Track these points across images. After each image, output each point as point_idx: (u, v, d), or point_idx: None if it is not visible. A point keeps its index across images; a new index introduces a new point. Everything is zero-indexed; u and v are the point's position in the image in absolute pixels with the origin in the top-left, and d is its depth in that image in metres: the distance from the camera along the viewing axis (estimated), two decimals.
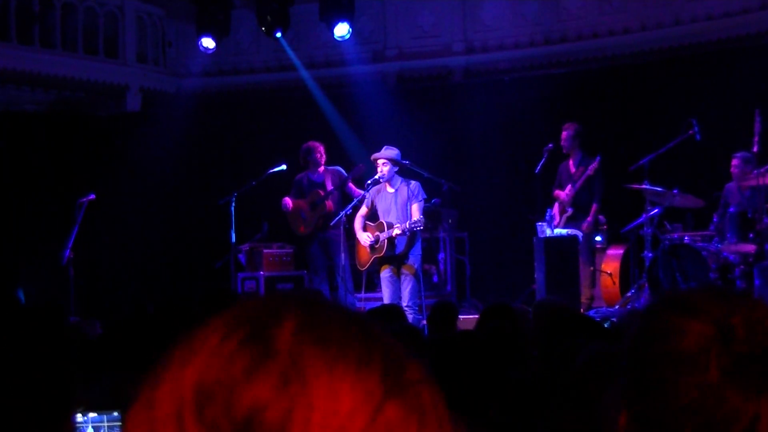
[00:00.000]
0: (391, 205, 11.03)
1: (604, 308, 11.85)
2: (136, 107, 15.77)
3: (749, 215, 10.89)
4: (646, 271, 11.43)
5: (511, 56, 15.27)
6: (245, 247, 13.03)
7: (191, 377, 0.94)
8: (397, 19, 15.86)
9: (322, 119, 15.28)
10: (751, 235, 10.82)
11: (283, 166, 12.56)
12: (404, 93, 15.63)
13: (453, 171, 13.76)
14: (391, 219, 10.94)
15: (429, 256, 12.80)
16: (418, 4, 15.88)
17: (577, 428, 2.59)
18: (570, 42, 14.88)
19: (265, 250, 12.88)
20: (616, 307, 11.81)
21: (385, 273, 11.04)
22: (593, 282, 12.35)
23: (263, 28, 15.09)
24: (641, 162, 11.59)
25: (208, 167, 15.80)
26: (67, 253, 12.11)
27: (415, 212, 10.83)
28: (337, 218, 11.62)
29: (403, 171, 11.27)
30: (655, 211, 11.57)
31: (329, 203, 12.19)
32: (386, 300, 10.86)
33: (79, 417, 3.19)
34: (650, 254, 11.42)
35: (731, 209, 11.04)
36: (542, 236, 11.63)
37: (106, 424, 3.26)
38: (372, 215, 11.27)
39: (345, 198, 12.30)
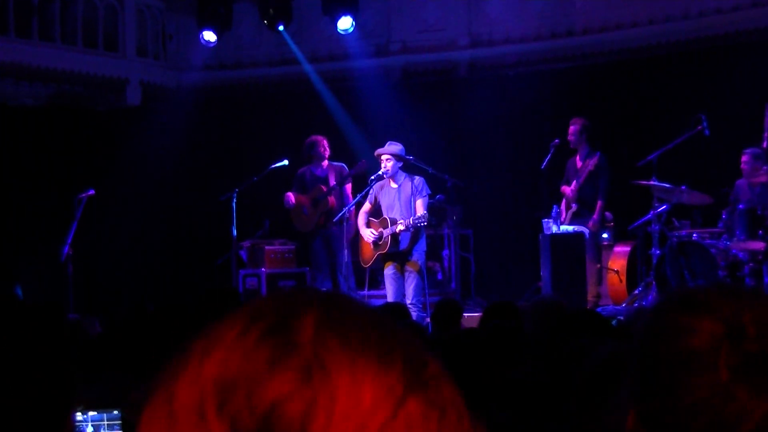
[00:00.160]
0: (394, 201, 11.03)
1: (610, 306, 11.86)
2: (136, 101, 15.76)
3: (759, 212, 10.89)
4: (653, 268, 11.43)
5: (517, 50, 15.23)
6: (247, 243, 13.04)
7: (211, 370, 0.95)
8: (401, 13, 15.84)
9: (324, 114, 15.27)
10: (760, 233, 10.81)
11: (285, 162, 12.56)
12: (408, 87, 15.63)
13: (458, 167, 13.77)
14: (395, 215, 10.94)
15: (433, 252, 12.80)
16: None
17: (586, 428, 2.59)
18: (577, 36, 14.84)
19: (267, 247, 12.89)
20: (623, 305, 11.81)
21: (389, 270, 11.05)
22: (600, 280, 12.35)
23: (265, 21, 15.09)
24: (649, 158, 11.59)
25: (209, 163, 15.80)
26: (66, 249, 12.12)
27: (419, 208, 10.83)
28: (339, 214, 11.62)
29: (407, 167, 11.27)
30: (663, 207, 11.56)
31: (331, 199, 12.19)
32: (390, 297, 10.87)
33: (78, 416, 3.20)
34: (658, 251, 11.42)
35: (740, 206, 11.03)
36: (548, 233, 11.62)
37: (105, 422, 3.26)
38: (375, 211, 11.27)
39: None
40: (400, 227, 10.70)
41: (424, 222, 10.64)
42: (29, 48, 14.41)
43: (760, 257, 10.80)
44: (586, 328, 4.71)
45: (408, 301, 10.61)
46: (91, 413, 3.26)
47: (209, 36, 15.20)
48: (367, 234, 11.12)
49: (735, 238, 10.97)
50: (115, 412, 3.27)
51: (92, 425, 3.26)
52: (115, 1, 15.43)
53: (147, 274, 15.25)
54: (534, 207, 12.66)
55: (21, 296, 10.13)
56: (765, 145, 11.28)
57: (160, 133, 15.33)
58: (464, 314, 9.22)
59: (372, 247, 11.12)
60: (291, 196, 12.31)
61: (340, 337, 0.95)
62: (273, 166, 12.53)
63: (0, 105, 15.04)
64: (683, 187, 11.30)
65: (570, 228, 11.80)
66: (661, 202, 11.61)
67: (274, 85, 16.34)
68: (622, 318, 8.54)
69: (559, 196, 12.32)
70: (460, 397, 0.98)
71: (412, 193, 10.93)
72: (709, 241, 11.25)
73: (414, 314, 10.22)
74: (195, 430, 0.93)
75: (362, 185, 11.64)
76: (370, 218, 11.25)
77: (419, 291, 10.95)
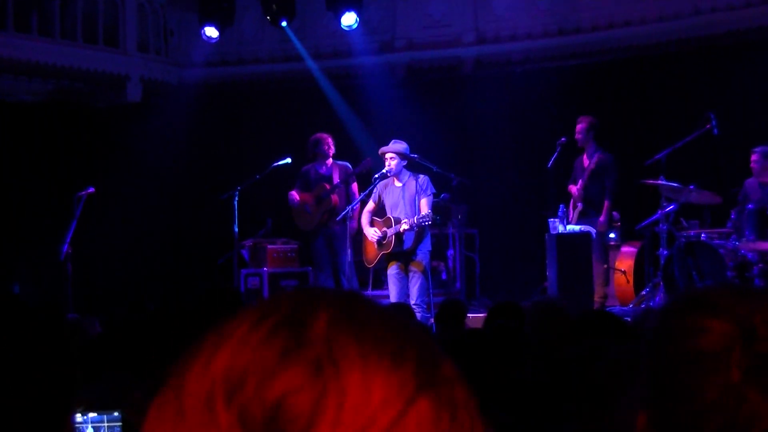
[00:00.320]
0: (399, 199, 11.03)
1: (617, 307, 11.87)
2: (137, 98, 15.77)
3: None
4: (661, 269, 11.42)
5: (524, 47, 15.23)
6: (248, 242, 13.06)
7: (221, 364, 0.95)
8: (406, 9, 15.83)
9: (328, 111, 15.27)
10: None
11: (288, 160, 12.55)
12: (413, 84, 15.63)
13: (463, 165, 13.77)
14: (399, 214, 10.93)
15: (438, 252, 12.80)
16: None
17: (593, 430, 2.59)
18: (584, 32, 14.83)
19: (269, 246, 12.89)
20: (630, 306, 11.82)
21: (393, 269, 11.04)
22: (607, 280, 12.36)
23: (268, 17, 15.08)
24: (657, 157, 11.58)
25: (211, 160, 15.81)
26: (66, 248, 12.13)
27: (424, 207, 10.82)
28: (343, 213, 11.62)
29: (411, 165, 11.27)
30: (671, 207, 11.55)
31: (335, 197, 12.19)
32: (393, 298, 10.86)
33: (78, 417, 3.20)
34: (665, 252, 11.41)
35: (750, 206, 11.02)
36: (554, 233, 11.61)
37: (106, 424, 3.26)
38: (379, 210, 11.26)
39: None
40: (404, 226, 10.70)
41: (428, 221, 10.63)
42: (28, 43, 14.42)
43: None
44: (601, 330, 4.72)
45: (412, 302, 10.60)
46: (91, 415, 3.25)
47: (211, 32, 15.19)
48: (371, 233, 11.12)
49: (744, 239, 10.96)
50: (116, 413, 3.27)
51: (92, 427, 3.26)
52: None
53: (147, 273, 15.26)
54: (540, 206, 12.65)
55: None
56: None
57: (161, 130, 15.34)
58: (469, 315, 9.23)
59: (376, 246, 11.11)
60: (295, 195, 12.32)
61: (354, 334, 0.95)
62: (275, 164, 12.53)
63: None
64: (692, 187, 11.29)
65: (576, 228, 11.79)
66: (669, 201, 11.60)
67: (277, 82, 16.35)
68: (629, 319, 8.53)
69: (565, 196, 12.32)
70: (473, 399, 0.99)
71: (416, 192, 10.92)
72: (717, 242, 11.24)
73: (418, 315, 10.23)
74: (203, 423, 0.94)
75: (367, 183, 11.63)
76: (374, 217, 11.25)
77: (423, 291, 10.94)
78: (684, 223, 11.74)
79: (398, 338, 0.97)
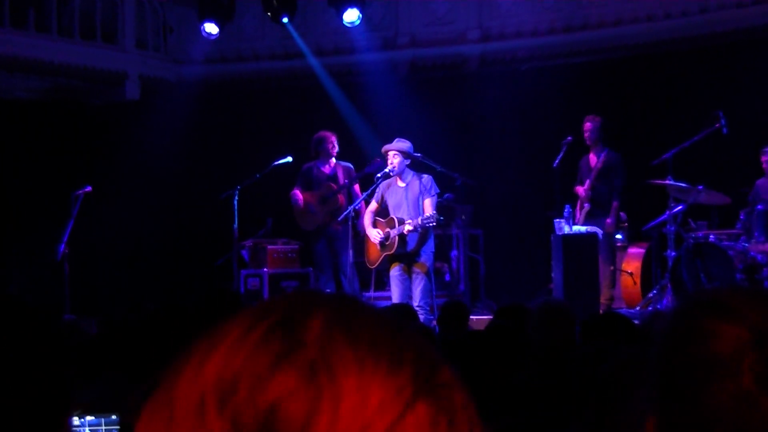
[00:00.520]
0: (402, 200, 11.02)
1: (624, 309, 11.85)
2: (135, 96, 15.78)
3: None
4: (668, 271, 11.42)
5: (529, 44, 15.21)
6: (248, 242, 13.06)
7: (213, 368, 0.94)
8: (409, 5, 15.82)
9: (330, 109, 15.27)
10: None
11: (289, 159, 12.54)
12: (416, 82, 15.62)
13: (467, 164, 13.78)
14: (402, 215, 10.92)
15: (441, 253, 12.79)
16: None
17: None
18: (591, 29, 14.82)
19: (269, 246, 12.89)
20: (637, 308, 11.81)
21: (395, 271, 11.03)
22: (613, 282, 12.35)
23: (269, 13, 15.06)
24: (665, 156, 11.58)
25: (210, 159, 15.80)
26: (62, 248, 12.13)
27: (428, 207, 10.81)
28: (344, 213, 11.60)
29: (414, 164, 11.25)
30: (679, 207, 11.55)
31: (341, 197, 12.19)
32: (396, 299, 10.84)
33: (75, 420, 3.20)
34: (673, 253, 11.41)
35: (759, 206, 11.01)
36: (560, 234, 11.60)
37: (103, 427, 3.26)
38: (382, 211, 11.25)
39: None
40: (407, 227, 10.68)
41: (433, 222, 10.62)
42: (25, 39, 14.42)
43: None
44: (610, 332, 4.72)
45: (415, 304, 10.59)
46: (88, 418, 3.25)
47: (211, 28, 15.18)
48: (374, 234, 11.11)
49: (753, 240, 10.95)
50: (113, 416, 3.27)
51: (90, 430, 3.26)
52: None
53: (146, 273, 15.25)
54: (546, 206, 12.65)
55: None
56: None
57: (160, 128, 15.34)
58: (473, 317, 9.23)
59: (378, 247, 11.10)
60: (299, 194, 12.30)
61: (349, 338, 0.94)
62: (276, 162, 12.52)
63: None
64: (700, 187, 11.28)
65: (583, 228, 11.79)
66: (677, 202, 11.60)
67: (278, 80, 16.35)
68: (636, 322, 8.52)
69: (571, 196, 12.31)
70: (472, 404, 0.98)
71: (420, 192, 10.91)
72: (726, 243, 11.23)
73: (421, 317, 10.21)
74: (195, 429, 0.93)
75: (369, 184, 11.62)
76: (377, 218, 11.24)
77: (427, 293, 10.93)
78: (692, 224, 11.73)
79: (395, 342, 0.96)
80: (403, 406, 0.92)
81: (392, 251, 10.93)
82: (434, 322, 10.18)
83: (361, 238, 11.61)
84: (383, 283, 12.23)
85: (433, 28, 15.73)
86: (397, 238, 10.84)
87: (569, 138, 12.13)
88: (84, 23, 15.15)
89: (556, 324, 5.94)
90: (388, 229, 10.97)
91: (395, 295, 10.97)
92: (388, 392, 0.92)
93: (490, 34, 15.50)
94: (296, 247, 13.09)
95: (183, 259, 15.58)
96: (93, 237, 13.77)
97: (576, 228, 11.76)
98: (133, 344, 4.37)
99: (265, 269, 12.66)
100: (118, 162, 14.97)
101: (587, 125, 12.19)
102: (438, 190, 11.15)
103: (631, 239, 12.95)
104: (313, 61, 15.67)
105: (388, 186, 11.16)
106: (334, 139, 12.47)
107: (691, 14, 14.08)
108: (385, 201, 11.17)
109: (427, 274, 10.94)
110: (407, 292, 10.94)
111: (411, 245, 10.87)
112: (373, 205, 11.29)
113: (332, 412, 0.90)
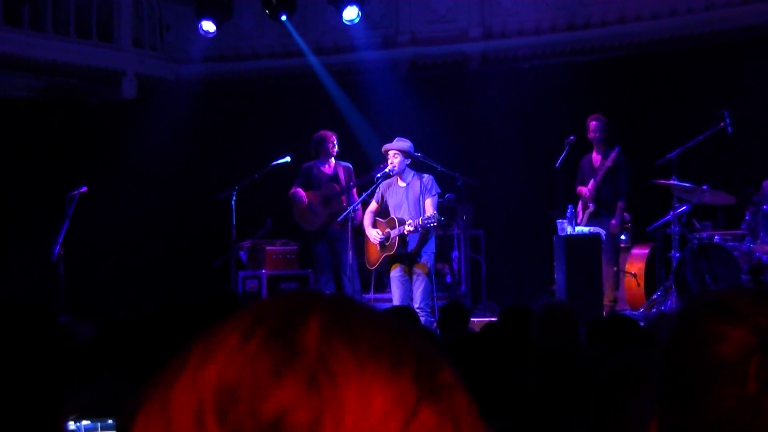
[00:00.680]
0: (402, 200, 11.01)
1: (627, 311, 11.84)
2: (132, 94, 15.77)
3: None
4: (673, 272, 11.41)
5: (532, 42, 15.20)
6: (247, 243, 13.04)
7: (211, 377, 0.94)
8: (410, 3, 15.80)
9: (329, 108, 15.25)
10: None
11: (288, 158, 12.52)
12: (417, 81, 15.61)
13: (468, 164, 13.76)
14: (403, 215, 10.91)
15: (442, 254, 12.77)
16: None
17: None
18: (594, 28, 14.81)
19: (268, 247, 12.88)
20: (641, 310, 11.80)
21: (396, 272, 11.02)
22: (617, 283, 12.34)
23: (267, 11, 15.04)
24: (669, 156, 11.56)
25: (208, 159, 15.80)
26: (57, 248, 12.11)
27: (429, 208, 10.80)
28: (344, 214, 11.58)
29: (415, 164, 11.25)
30: (684, 208, 11.53)
31: (345, 198, 12.17)
32: (396, 301, 10.84)
33: (71, 424, 3.19)
34: (677, 254, 11.40)
35: (765, 207, 11.01)
36: (563, 234, 11.59)
37: (100, 431, 3.26)
38: (382, 211, 11.24)
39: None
40: (408, 228, 10.66)
41: (434, 222, 10.61)
42: (20, 37, 14.40)
43: None
44: (616, 334, 4.71)
45: (416, 305, 10.58)
46: (84, 422, 3.25)
47: (208, 26, 15.17)
48: (374, 235, 11.10)
49: (759, 241, 10.95)
50: (110, 420, 3.27)
51: None
52: None
53: (142, 275, 15.24)
54: (548, 207, 12.64)
55: None
56: None
57: (157, 127, 15.33)
58: (474, 319, 9.22)
59: (379, 248, 11.09)
60: (302, 194, 12.26)
61: (348, 341, 0.94)
62: (275, 162, 12.50)
63: None
64: (705, 187, 11.27)
65: (586, 229, 11.78)
66: (682, 202, 11.58)
67: (277, 78, 16.34)
68: (642, 324, 8.53)
69: (574, 196, 12.30)
70: (474, 406, 0.98)
71: (420, 192, 10.90)
72: (731, 244, 11.23)
73: (422, 318, 10.19)
74: None
75: (369, 184, 11.60)
76: (377, 218, 11.23)
77: (427, 294, 10.92)
78: (696, 224, 11.73)
79: (395, 343, 0.96)
80: (407, 414, 0.91)
81: (392, 252, 10.92)
82: (435, 324, 10.18)
83: (361, 238, 11.61)
84: (384, 285, 12.23)
85: (433, 26, 15.72)
86: (397, 238, 10.83)
87: (572, 137, 12.12)
88: (80, 21, 15.13)
89: (558, 325, 5.95)
90: (388, 230, 10.96)
91: (396, 296, 10.96)
92: (391, 399, 0.91)
93: (492, 32, 15.48)
94: (295, 248, 13.07)
95: (180, 261, 15.57)
96: (89, 237, 13.77)
97: (579, 228, 11.75)
98: (129, 346, 4.37)
99: (263, 270, 12.65)
100: (115, 161, 14.97)
101: (593, 124, 12.16)
102: (439, 190, 11.14)
103: (635, 240, 12.94)
104: (313, 60, 15.65)
105: (389, 186, 11.15)
106: (334, 138, 12.45)
107: (695, 12, 14.06)
108: (386, 201, 11.16)
109: (428, 275, 10.94)
110: (408, 293, 10.93)
111: (411, 246, 10.86)
112: (373, 205, 11.28)
113: (336, 423, 0.90)
